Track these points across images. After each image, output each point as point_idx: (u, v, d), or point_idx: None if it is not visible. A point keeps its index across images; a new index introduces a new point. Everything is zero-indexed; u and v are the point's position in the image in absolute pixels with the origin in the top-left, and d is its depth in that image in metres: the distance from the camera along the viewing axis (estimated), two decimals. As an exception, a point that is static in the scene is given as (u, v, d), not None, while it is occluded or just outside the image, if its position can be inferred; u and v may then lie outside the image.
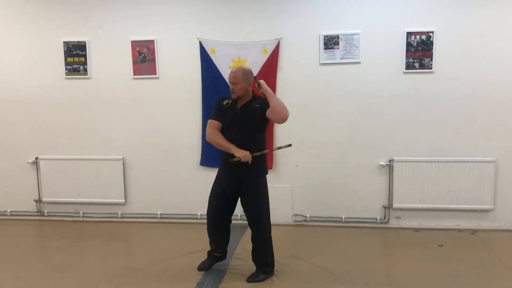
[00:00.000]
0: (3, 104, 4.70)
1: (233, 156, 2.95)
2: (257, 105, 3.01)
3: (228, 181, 3.12)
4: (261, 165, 3.13)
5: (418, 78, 4.15)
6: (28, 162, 4.73)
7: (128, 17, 4.43)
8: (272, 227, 4.38)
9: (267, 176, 3.24)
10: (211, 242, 3.30)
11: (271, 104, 2.91)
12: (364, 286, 3.08)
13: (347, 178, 4.34)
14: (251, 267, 3.37)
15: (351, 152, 4.31)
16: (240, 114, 3.02)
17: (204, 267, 3.30)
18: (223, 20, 4.31)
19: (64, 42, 4.52)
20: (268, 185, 4.40)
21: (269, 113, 2.94)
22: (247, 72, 3.01)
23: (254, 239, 3.17)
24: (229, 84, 3.02)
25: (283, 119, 2.95)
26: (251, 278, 3.13)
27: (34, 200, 4.78)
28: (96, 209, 4.71)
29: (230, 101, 3.07)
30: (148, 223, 4.58)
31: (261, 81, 2.98)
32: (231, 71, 3.03)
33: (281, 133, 4.37)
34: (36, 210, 4.80)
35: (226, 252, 3.36)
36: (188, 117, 4.44)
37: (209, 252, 3.34)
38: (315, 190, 4.40)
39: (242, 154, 2.92)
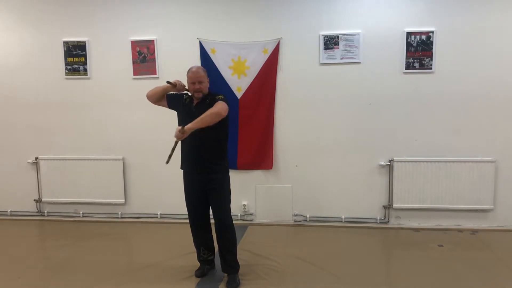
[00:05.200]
0: (3, 104, 4.71)
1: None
2: (208, 102, 3.00)
3: (193, 179, 3.10)
4: (220, 161, 3.08)
5: (418, 78, 4.15)
6: (28, 162, 4.73)
7: (128, 17, 4.43)
8: (272, 227, 4.41)
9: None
10: (201, 252, 3.26)
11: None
12: (364, 286, 3.08)
13: (347, 178, 4.34)
14: (251, 266, 3.37)
15: (351, 152, 4.31)
16: (195, 111, 2.98)
17: (202, 273, 3.26)
18: (223, 20, 4.31)
19: (64, 42, 4.53)
20: (268, 185, 4.45)
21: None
22: (205, 70, 3.06)
23: (220, 238, 3.10)
24: (190, 84, 2.98)
25: (218, 120, 2.88)
26: (231, 285, 3.05)
27: (34, 200, 4.78)
28: (96, 209, 4.71)
29: (188, 99, 3.11)
30: (148, 223, 4.58)
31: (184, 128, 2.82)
32: (191, 71, 3.00)
33: (281, 133, 4.37)
34: (36, 210, 4.80)
35: (214, 249, 3.33)
36: (188, 117, 4.44)
37: (201, 260, 3.30)
38: (315, 190, 4.40)
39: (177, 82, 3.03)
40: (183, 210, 3.26)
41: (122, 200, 4.63)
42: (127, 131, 4.57)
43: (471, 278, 3.15)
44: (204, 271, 3.28)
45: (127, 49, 4.45)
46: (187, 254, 3.61)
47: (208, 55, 4.32)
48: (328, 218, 4.41)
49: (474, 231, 4.15)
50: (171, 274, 3.28)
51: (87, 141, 4.64)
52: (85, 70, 4.55)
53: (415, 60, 4.13)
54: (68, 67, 4.56)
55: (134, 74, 4.48)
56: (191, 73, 3.00)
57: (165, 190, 4.56)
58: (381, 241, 4.03)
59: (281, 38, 4.25)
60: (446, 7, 4.05)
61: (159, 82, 4.43)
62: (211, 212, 3.17)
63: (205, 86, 3.02)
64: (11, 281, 3.23)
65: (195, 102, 3.06)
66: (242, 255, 3.40)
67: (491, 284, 3.07)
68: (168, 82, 3.03)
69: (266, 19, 4.26)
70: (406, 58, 4.13)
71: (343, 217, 4.38)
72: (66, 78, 4.59)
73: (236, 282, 3.07)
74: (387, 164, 4.26)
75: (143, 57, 4.44)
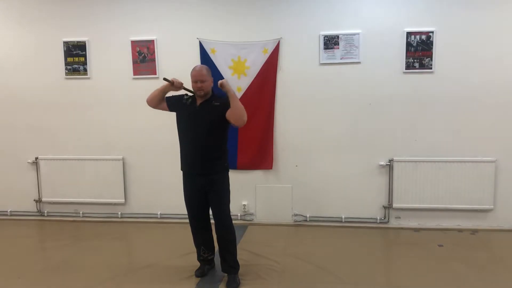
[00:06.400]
0: (3, 104, 4.71)
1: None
2: (216, 104, 2.99)
3: (193, 179, 3.09)
4: (221, 161, 3.08)
5: (418, 78, 4.15)
6: (28, 162, 4.73)
7: (128, 17, 4.43)
8: (272, 227, 4.41)
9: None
10: (201, 252, 3.26)
11: (232, 106, 2.89)
12: (364, 286, 3.08)
13: (347, 178, 4.34)
14: (251, 266, 3.38)
15: (351, 152, 4.31)
16: (199, 111, 3.00)
17: (202, 273, 3.26)
18: (223, 20, 4.31)
19: (64, 42, 4.53)
20: (268, 185, 4.45)
21: (228, 115, 2.93)
22: (208, 69, 3.06)
23: (220, 238, 3.11)
24: (193, 82, 2.99)
25: (242, 123, 2.95)
26: (231, 285, 3.05)
27: (34, 200, 4.78)
28: (96, 209, 4.71)
29: (190, 99, 3.09)
30: (148, 223, 4.58)
31: (224, 81, 2.96)
32: (194, 70, 3.01)
33: (281, 133, 4.37)
34: (36, 210, 4.80)
35: (215, 248, 3.33)
36: (188, 117, 4.43)
37: (201, 260, 3.30)
38: (315, 190, 4.40)
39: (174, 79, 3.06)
40: (183, 210, 3.26)
41: (122, 200, 4.63)
42: (127, 131, 4.57)
43: (471, 278, 3.15)
44: (204, 271, 3.28)
45: (127, 49, 4.45)
46: (187, 254, 3.61)
47: (208, 55, 4.32)
48: (328, 218, 4.41)
49: (474, 231, 4.15)
50: (171, 274, 3.28)
51: (87, 141, 4.64)
52: (85, 70, 4.55)
53: (415, 60, 4.12)
54: (68, 67, 4.56)
55: (134, 74, 4.48)
56: (194, 72, 3.01)
57: (165, 190, 4.56)
58: (381, 241, 4.03)
59: (281, 38, 4.25)
60: (446, 7, 4.05)
61: (159, 82, 4.43)
62: (211, 212, 3.17)
63: (208, 85, 3.01)
64: (11, 281, 3.23)
65: (198, 102, 3.05)
66: (242, 255, 3.40)
67: (491, 284, 3.07)
68: (165, 79, 3.04)
69: (266, 19, 4.26)
70: (406, 58, 4.13)
71: (343, 217, 4.38)
72: (66, 78, 4.58)
73: (236, 282, 3.07)
74: (387, 164, 4.26)
75: (143, 57, 4.44)
